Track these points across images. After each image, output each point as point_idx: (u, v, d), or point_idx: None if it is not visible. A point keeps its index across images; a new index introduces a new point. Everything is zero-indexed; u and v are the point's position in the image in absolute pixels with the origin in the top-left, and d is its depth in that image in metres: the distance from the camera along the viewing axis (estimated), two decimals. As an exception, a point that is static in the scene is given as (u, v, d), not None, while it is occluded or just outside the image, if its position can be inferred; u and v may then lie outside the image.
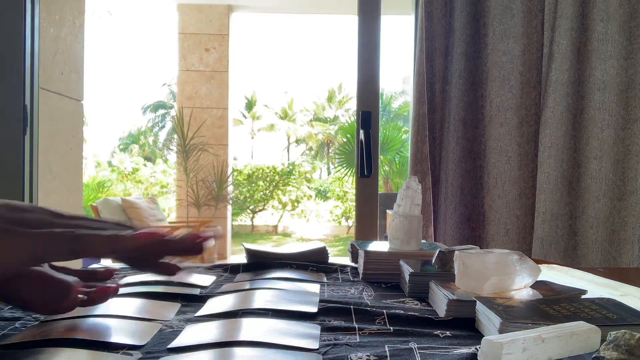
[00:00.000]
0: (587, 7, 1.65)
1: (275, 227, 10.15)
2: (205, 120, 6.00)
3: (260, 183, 9.37)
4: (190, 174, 5.84)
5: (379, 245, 1.02)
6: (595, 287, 0.86)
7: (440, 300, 0.71)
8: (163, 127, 21.20)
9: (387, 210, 3.53)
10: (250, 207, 9.58)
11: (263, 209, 9.85)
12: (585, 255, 1.65)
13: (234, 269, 1.00)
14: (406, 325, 0.64)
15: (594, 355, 0.48)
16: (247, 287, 0.82)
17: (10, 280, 0.49)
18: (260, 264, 0.99)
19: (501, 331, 0.56)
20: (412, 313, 0.68)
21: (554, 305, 0.62)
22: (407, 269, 0.83)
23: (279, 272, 0.93)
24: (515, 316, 0.58)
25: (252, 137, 20.42)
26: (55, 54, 2.13)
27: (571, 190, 1.68)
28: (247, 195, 9.27)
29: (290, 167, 9.92)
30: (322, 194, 11.52)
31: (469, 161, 1.73)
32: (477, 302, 0.64)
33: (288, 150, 20.93)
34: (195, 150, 5.86)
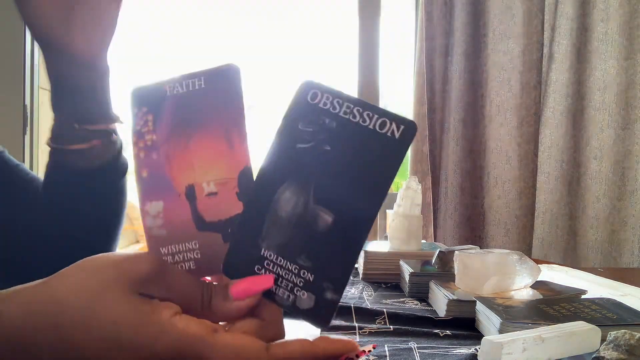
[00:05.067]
0: (587, 7, 1.65)
1: (275, 227, 10.16)
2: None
3: (260, 183, 9.38)
4: (190, 174, 5.84)
5: (379, 245, 1.02)
6: (595, 287, 0.86)
7: (440, 300, 0.71)
8: (163, 127, 21.21)
9: (387, 210, 3.52)
10: (250, 207, 9.59)
11: (263, 209, 9.85)
12: (585, 255, 1.65)
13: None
14: (406, 324, 0.64)
15: (594, 355, 0.48)
16: (247, 287, 0.82)
17: None
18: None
19: (501, 331, 0.56)
20: (412, 313, 0.68)
21: (554, 305, 0.62)
22: (407, 269, 0.83)
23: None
24: (515, 316, 0.58)
25: (252, 137, 20.42)
26: (55, 54, 2.13)
27: (571, 190, 1.68)
28: (247, 195, 9.28)
29: (290, 167, 9.93)
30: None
31: (469, 161, 1.73)
32: (477, 302, 0.64)
33: (288, 150, 20.94)
34: (195, 150, 5.87)
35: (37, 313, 0.30)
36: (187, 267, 0.36)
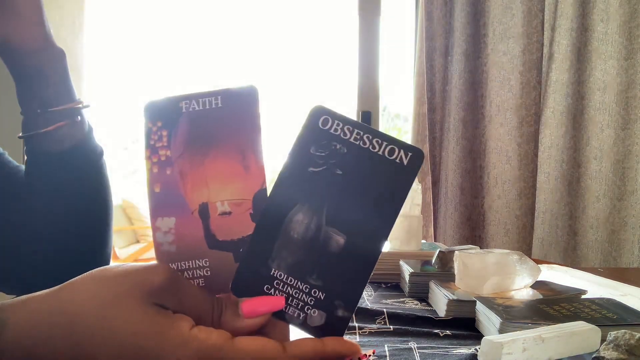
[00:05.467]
0: (587, 7, 1.65)
1: (275, 227, 10.16)
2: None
3: (260, 183, 9.37)
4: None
5: (379, 245, 1.02)
6: (595, 287, 0.86)
7: (440, 300, 0.71)
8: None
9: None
10: (250, 207, 9.58)
11: (263, 209, 9.85)
12: (585, 255, 1.65)
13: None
14: (406, 324, 0.64)
15: (594, 355, 0.48)
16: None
17: None
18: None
19: (501, 331, 0.56)
20: (412, 313, 0.69)
21: (554, 305, 0.62)
22: (407, 269, 0.83)
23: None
24: (515, 316, 0.58)
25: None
26: (55, 54, 2.12)
27: (571, 190, 1.68)
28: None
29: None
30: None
31: (469, 161, 1.73)
32: (477, 302, 0.64)
33: (288, 150, 20.91)
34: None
35: (48, 322, 0.29)
36: (195, 284, 0.35)
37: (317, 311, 0.33)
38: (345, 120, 0.33)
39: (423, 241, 1.07)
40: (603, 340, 0.49)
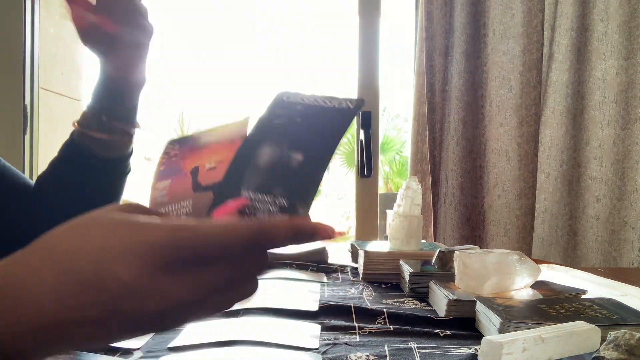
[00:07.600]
0: (587, 7, 1.65)
1: (275, 227, 10.13)
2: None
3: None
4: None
5: (379, 245, 1.03)
6: (595, 287, 0.86)
7: (440, 300, 0.71)
8: (163, 127, 21.23)
9: (387, 210, 3.52)
10: (250, 207, 9.57)
11: (263, 209, 9.83)
12: (585, 255, 1.65)
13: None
14: (406, 324, 0.64)
15: (594, 355, 0.48)
16: (247, 287, 0.82)
17: None
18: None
19: (501, 331, 0.56)
20: (412, 313, 0.69)
21: (554, 305, 0.62)
22: (407, 269, 0.83)
23: (279, 272, 0.93)
24: (515, 316, 0.58)
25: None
26: (55, 54, 2.13)
27: (571, 190, 1.68)
28: (247, 195, 9.26)
29: (290, 167, 9.89)
30: (322, 194, 11.51)
31: (469, 161, 1.73)
32: (477, 302, 0.64)
33: (288, 150, 20.89)
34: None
35: (25, 253, 0.29)
36: None
37: (281, 215, 0.38)
38: (303, 94, 0.42)
39: (423, 241, 1.07)
40: (603, 340, 0.50)
